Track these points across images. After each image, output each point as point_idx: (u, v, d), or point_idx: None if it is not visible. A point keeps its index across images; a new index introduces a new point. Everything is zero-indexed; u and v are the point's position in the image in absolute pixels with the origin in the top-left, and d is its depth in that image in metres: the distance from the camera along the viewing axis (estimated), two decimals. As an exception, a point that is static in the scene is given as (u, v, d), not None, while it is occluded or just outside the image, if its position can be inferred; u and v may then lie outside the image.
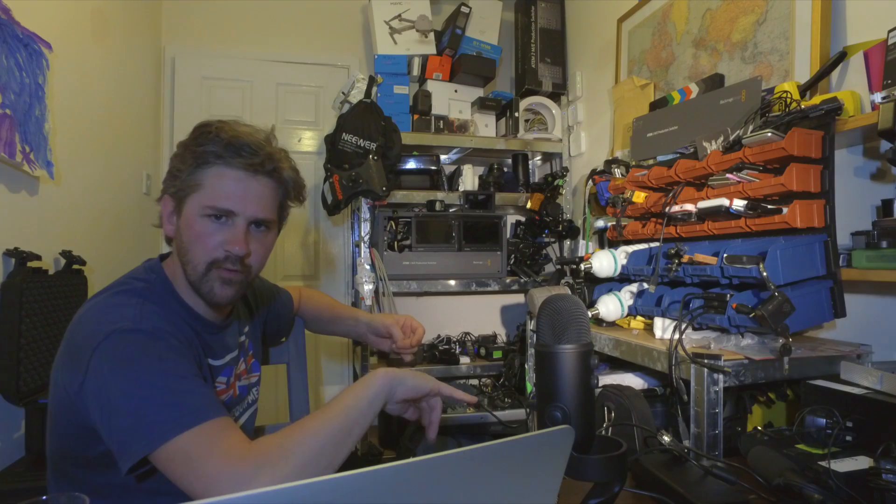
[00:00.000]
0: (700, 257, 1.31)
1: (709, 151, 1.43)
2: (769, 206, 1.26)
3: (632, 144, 1.90)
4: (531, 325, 1.90)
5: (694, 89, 1.80)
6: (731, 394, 1.23)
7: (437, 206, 2.45)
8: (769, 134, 1.23)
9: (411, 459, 0.42)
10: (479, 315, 3.03)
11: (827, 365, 1.16)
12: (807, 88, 1.39)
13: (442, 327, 2.85)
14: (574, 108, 2.73)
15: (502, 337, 2.91)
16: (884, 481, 0.79)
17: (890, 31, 1.16)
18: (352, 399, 0.82)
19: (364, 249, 2.45)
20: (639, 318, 1.55)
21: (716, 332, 1.31)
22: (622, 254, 1.62)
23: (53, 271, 1.75)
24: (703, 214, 1.39)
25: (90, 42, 2.14)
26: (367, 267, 2.42)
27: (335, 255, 3.20)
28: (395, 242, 2.39)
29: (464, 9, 2.70)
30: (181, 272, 0.95)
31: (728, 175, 1.33)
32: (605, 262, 1.61)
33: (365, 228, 2.48)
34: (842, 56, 1.34)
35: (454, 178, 2.80)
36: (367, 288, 2.38)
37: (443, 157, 2.90)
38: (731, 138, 1.39)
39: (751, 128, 1.35)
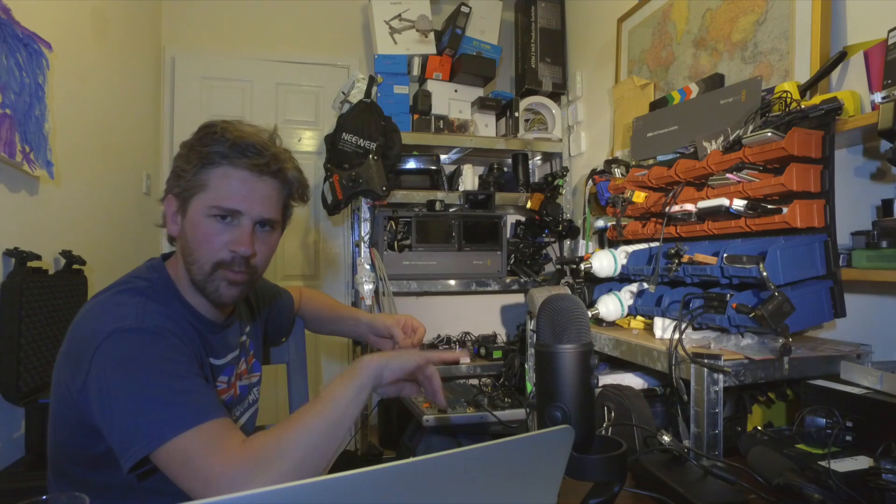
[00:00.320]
0: (700, 257, 1.31)
1: (709, 151, 1.43)
2: (769, 206, 1.26)
3: (632, 144, 1.90)
4: (531, 325, 1.90)
5: (694, 89, 1.80)
6: (731, 394, 1.23)
7: (437, 205, 2.45)
8: (769, 134, 1.23)
9: (411, 459, 0.42)
10: (478, 315, 3.02)
11: (827, 365, 1.16)
12: (807, 88, 1.39)
13: (442, 327, 2.85)
14: (574, 107, 2.73)
15: (502, 337, 2.90)
16: (884, 481, 0.79)
17: (890, 31, 1.16)
18: (341, 390, 0.82)
19: (364, 249, 2.45)
20: (639, 317, 1.55)
21: (716, 332, 1.31)
22: (622, 254, 1.62)
23: (53, 271, 1.75)
24: (703, 214, 1.39)
25: (90, 42, 2.14)
26: (367, 267, 2.42)
27: (335, 254, 3.20)
28: (395, 242, 2.38)
29: (464, 9, 2.70)
30: (184, 271, 0.95)
31: (728, 175, 1.33)
32: (605, 262, 1.62)
33: (365, 228, 2.48)
34: (842, 56, 1.34)
35: (454, 178, 2.80)
36: (367, 288, 2.39)
37: (443, 156, 2.90)
38: (731, 138, 1.39)
39: (751, 128, 1.35)
